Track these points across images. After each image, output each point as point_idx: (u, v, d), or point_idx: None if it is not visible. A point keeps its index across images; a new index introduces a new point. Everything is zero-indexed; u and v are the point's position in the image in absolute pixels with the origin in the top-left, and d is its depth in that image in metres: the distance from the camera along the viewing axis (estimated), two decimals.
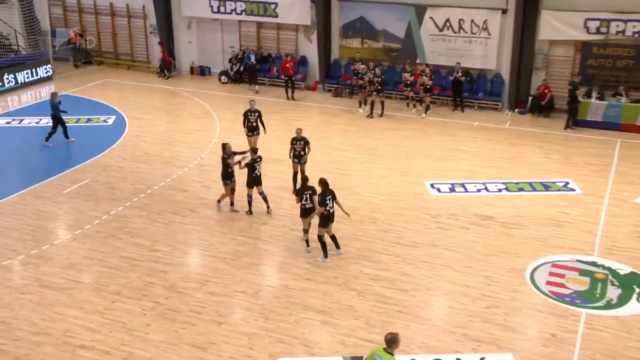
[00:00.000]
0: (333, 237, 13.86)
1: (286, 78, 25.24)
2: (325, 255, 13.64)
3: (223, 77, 27.92)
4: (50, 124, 20.37)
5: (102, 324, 11.64)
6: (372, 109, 23.13)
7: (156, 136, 21.33)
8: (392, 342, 8.81)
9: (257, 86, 26.84)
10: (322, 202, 13.36)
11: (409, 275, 13.17)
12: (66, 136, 20.48)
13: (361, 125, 22.50)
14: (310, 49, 27.13)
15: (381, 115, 23.13)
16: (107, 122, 22.71)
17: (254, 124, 18.44)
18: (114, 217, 15.61)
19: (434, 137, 21.47)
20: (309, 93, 26.45)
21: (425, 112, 23.49)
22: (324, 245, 13.61)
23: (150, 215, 15.74)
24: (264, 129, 18.68)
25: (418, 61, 25.06)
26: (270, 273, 13.32)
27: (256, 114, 18.43)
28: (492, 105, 24.50)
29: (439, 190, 17.29)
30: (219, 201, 15.86)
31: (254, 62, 26.81)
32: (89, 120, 22.68)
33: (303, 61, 27.22)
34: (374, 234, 14.87)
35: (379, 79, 22.83)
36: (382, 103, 23.28)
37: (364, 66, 24.17)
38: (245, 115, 18.53)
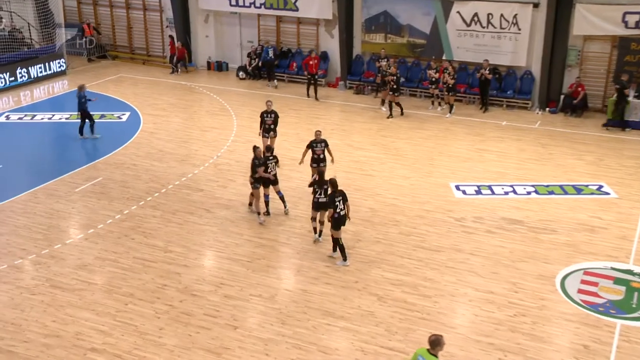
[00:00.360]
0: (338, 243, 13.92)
1: (309, 76, 25.04)
2: (345, 258, 13.68)
3: (241, 73, 28.04)
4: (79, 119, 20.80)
5: (114, 326, 11.74)
6: (390, 109, 23.00)
7: (171, 133, 21.47)
8: (435, 343, 8.86)
9: (275, 81, 26.93)
10: (331, 204, 13.41)
11: (431, 281, 13.12)
12: (92, 131, 20.90)
13: (384, 124, 22.46)
14: (331, 44, 27.15)
15: (402, 114, 23.00)
16: (121, 118, 22.91)
17: (271, 126, 18.25)
18: (127, 217, 15.74)
19: (460, 136, 21.37)
20: (329, 90, 26.45)
21: (450, 112, 23.40)
22: (341, 249, 13.65)
23: (164, 215, 15.85)
24: (274, 133, 18.22)
25: (444, 57, 24.97)
26: (287, 276, 13.35)
27: (272, 115, 18.20)
28: (521, 104, 24.34)
29: (464, 192, 17.20)
30: (250, 204, 15.61)
31: (273, 57, 26.90)
32: (102, 116, 22.87)
33: (324, 57, 27.23)
34: (395, 237, 14.84)
35: (394, 77, 22.55)
36: (399, 104, 22.98)
37: (387, 63, 24.12)
38: (262, 116, 18.29)
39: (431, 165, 18.96)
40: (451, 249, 14.31)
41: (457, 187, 17.46)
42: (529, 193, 17.13)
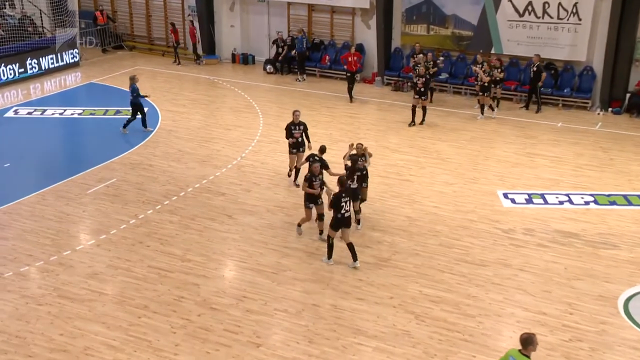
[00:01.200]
0: (350, 246, 13.92)
1: (348, 74, 24.58)
2: (329, 257, 14.01)
3: (269, 67, 28.16)
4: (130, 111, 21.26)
5: (126, 341, 11.83)
6: (413, 116, 21.91)
7: (191, 132, 21.63)
8: (527, 342, 8.98)
9: (305, 76, 27.00)
10: (337, 204, 13.59)
11: (475, 299, 13.00)
12: (144, 125, 21.38)
13: (424, 124, 22.33)
14: (367, 36, 27.13)
15: (422, 122, 21.97)
16: (137, 115, 23.12)
17: (299, 140, 17.31)
18: (142, 222, 15.88)
19: (509, 139, 21.17)
20: (365, 86, 26.42)
21: (490, 111, 22.92)
22: (329, 247, 13.99)
23: (182, 220, 15.96)
24: (309, 142, 17.44)
25: (492, 51, 24.77)
26: (315, 290, 13.33)
27: (301, 127, 17.25)
28: (580, 104, 24.05)
29: (513, 201, 17.05)
30: (299, 225, 15.30)
31: (305, 48, 27.01)
32: (117, 112, 23.14)
33: (359, 49, 27.20)
34: (435, 249, 14.75)
35: (423, 79, 21.62)
36: (424, 108, 21.98)
37: (424, 58, 23.95)
38: (289, 129, 17.26)
39: (476, 171, 18.82)
40: (498, 264, 14.16)
41: (505, 195, 17.30)
42: (587, 203, 16.90)
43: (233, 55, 29.92)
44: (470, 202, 16.96)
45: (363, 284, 13.46)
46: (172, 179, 18.14)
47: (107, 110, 23.25)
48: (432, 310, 12.66)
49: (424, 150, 20.21)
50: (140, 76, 27.41)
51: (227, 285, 13.46)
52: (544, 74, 23.22)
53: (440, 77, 25.42)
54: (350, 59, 24.35)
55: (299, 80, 26.84)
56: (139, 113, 21.23)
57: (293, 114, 17.49)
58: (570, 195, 17.30)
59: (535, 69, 23.13)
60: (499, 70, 23.15)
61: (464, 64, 25.47)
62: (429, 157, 19.75)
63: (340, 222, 13.77)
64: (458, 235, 15.32)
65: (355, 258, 13.95)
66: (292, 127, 17.28)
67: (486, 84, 22.50)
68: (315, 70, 27.92)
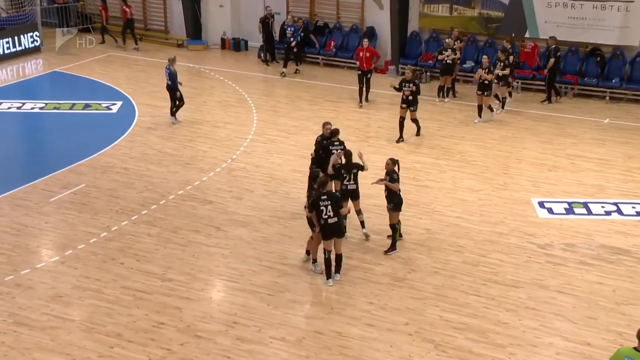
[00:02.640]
0: (337, 258, 14.05)
1: (360, 73, 23.70)
2: (328, 277, 14.04)
3: (264, 53, 28.15)
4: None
5: None
6: (401, 129, 20.70)
7: (174, 130, 21.66)
8: None
9: (288, 68, 26.46)
10: (316, 207, 13.74)
11: (506, 326, 12.97)
12: (173, 113, 21.98)
13: (446, 120, 22.31)
14: (380, 18, 27.19)
15: (417, 134, 20.95)
16: (110, 109, 23.19)
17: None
18: (115, 235, 15.87)
19: (545, 138, 21.17)
20: (377, 76, 26.41)
21: (502, 107, 22.92)
22: (326, 264, 14.02)
23: (163, 233, 15.96)
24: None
25: (527, 35, 24.74)
26: (318, 315, 13.30)
27: (340, 146, 16.12)
28: (630, 96, 24.10)
29: (550, 210, 17.02)
30: (308, 252, 14.87)
31: (292, 40, 26.51)
32: (86, 106, 23.18)
33: (370, 34, 27.24)
34: (458, 267, 14.71)
35: (412, 86, 20.42)
36: (415, 121, 20.85)
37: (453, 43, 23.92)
38: (323, 146, 16.23)
39: (506, 175, 18.79)
40: (532, 285, 14.13)
41: (541, 204, 17.27)
42: (638, 214, 16.91)
43: (222, 40, 29.97)
44: (499, 212, 16.93)
45: (374, 307, 13.43)
46: (150, 185, 18.14)
47: (73, 104, 23.26)
48: (454, 338, 12.62)
49: (445, 152, 20.19)
50: (114, 63, 27.56)
51: (214, 309, 13.44)
52: (551, 60, 23.25)
53: (465, 65, 25.44)
54: (361, 54, 23.51)
55: (283, 75, 26.32)
56: (176, 100, 21.90)
57: (323, 127, 16.52)
58: (618, 205, 17.27)
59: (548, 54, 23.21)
60: (507, 60, 22.57)
61: (492, 49, 25.43)
62: (450, 159, 19.73)
63: (326, 230, 13.80)
64: (485, 251, 15.28)
65: (338, 270, 14.08)
66: (328, 143, 16.28)
67: (487, 82, 21.82)
68: (318, 58, 27.94)
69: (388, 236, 15.35)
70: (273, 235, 15.84)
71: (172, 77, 21.54)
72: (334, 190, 15.16)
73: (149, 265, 14.74)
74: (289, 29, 26.81)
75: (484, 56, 22.57)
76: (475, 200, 17.50)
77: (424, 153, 20.07)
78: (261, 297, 13.72)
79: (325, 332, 12.78)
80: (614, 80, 24.16)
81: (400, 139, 20.65)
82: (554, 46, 23.42)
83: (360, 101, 23.67)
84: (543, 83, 24.22)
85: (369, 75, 23.73)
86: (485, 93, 22.01)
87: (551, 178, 18.65)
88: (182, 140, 20.88)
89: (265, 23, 27.29)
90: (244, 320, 13.05)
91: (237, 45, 29.69)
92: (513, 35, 24.75)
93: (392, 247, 15.10)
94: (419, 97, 20.74)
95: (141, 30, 31.05)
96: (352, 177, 15.34)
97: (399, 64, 26.72)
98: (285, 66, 26.45)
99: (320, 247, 14.22)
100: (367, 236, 15.63)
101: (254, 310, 13.34)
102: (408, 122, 20.69)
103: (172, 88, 21.65)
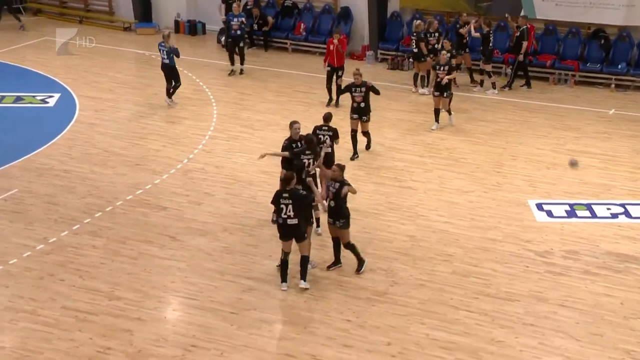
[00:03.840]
0: (302, 260, 14.21)
1: (330, 69, 22.81)
2: (283, 280, 14.34)
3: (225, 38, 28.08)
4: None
5: None
6: (355, 144, 19.68)
7: (121, 126, 21.58)
8: None
9: (242, 67, 25.59)
10: (276, 203, 13.97)
11: (501, 344, 13.03)
12: (169, 95, 22.72)
13: (430, 113, 22.40)
14: None
15: (368, 147, 20.03)
16: (46, 102, 23.06)
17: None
18: (54, 247, 15.74)
19: (543, 131, 21.31)
20: (353, 63, 26.46)
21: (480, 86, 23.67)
22: (281, 266, 14.34)
23: (109, 244, 15.86)
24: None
25: (522, 14, 24.92)
26: (289, 335, 13.30)
27: (329, 133, 16.73)
28: (639, 84, 24.28)
29: (549, 214, 17.13)
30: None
31: (238, 31, 25.09)
32: (18, 99, 23.03)
33: (345, 15, 27.32)
34: (447, 278, 14.75)
35: (362, 91, 19.46)
36: (366, 134, 19.90)
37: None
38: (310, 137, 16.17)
39: (500, 174, 18.91)
40: (530, 298, 14.20)
41: (539, 207, 17.37)
42: None
43: (176, 22, 29.93)
44: (492, 215, 17.01)
45: (352, 326, 13.44)
46: (94, 190, 18.06)
47: (3, 97, 23.09)
48: None
49: (430, 148, 20.26)
50: (49, 51, 27.27)
51: (169, 331, 13.40)
52: (524, 43, 23.45)
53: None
54: (332, 47, 22.76)
55: (232, 73, 25.55)
56: (172, 80, 22.54)
57: (291, 128, 16.25)
58: (626, 206, 17.40)
59: (518, 34, 23.50)
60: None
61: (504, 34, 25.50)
62: (437, 156, 19.81)
63: (283, 230, 14.02)
64: (477, 260, 15.34)
65: (303, 277, 14.26)
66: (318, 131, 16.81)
67: (444, 82, 20.99)
68: (286, 43, 27.96)
69: (329, 267, 14.90)
70: (236, 245, 15.81)
71: (169, 54, 22.16)
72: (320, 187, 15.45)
73: (94, 281, 14.64)
74: (234, 19, 25.17)
75: (445, 41, 22.75)
76: (465, 202, 17.57)
77: (406, 150, 20.12)
78: (223, 316, 13.69)
79: (297, 354, 12.78)
80: (620, 66, 24.38)
81: (355, 155, 19.65)
82: (525, 26, 23.60)
83: (330, 101, 22.90)
84: (540, 69, 24.44)
85: (340, 73, 22.87)
86: (445, 94, 21.09)
87: (550, 177, 18.77)
88: (131, 137, 20.79)
89: (228, 3, 27.21)
90: (203, 342, 13.02)
91: (193, 28, 29.62)
92: (507, 15, 24.87)
93: (360, 265, 14.87)
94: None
95: (81, 12, 30.90)
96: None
97: (377, 50, 26.77)
98: (232, 63, 25.51)
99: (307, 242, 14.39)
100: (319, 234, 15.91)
101: (214, 331, 13.31)
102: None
103: (170, 66, 22.30)
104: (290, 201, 13.87)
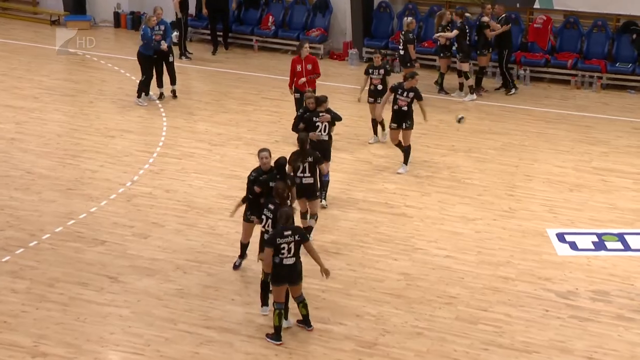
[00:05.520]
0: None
1: (298, 96, 21.24)
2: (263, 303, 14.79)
3: (175, 32, 27.96)
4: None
5: None
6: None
7: (48, 141, 21.53)
8: None
9: (174, 87, 24.46)
10: (272, 244, 13.97)
11: None
12: (146, 92, 23.58)
13: (428, 124, 22.43)
14: None
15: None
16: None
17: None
18: None
19: (565, 146, 21.42)
20: (333, 65, 26.57)
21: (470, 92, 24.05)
22: (262, 287, 14.79)
23: (34, 288, 15.75)
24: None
25: (536, 6, 25.07)
26: None
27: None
28: None
29: (573, 246, 17.17)
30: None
31: (166, 43, 24.11)
32: None
33: (321, 6, 27.40)
34: (449, 325, 14.73)
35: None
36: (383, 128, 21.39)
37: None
38: (304, 120, 18.09)
39: (512, 197, 18.96)
40: (551, 349, 14.19)
41: (561, 237, 17.41)
42: None
43: (116, 15, 29.98)
44: (504, 248, 17.03)
45: None
46: (15, 220, 17.98)
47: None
48: None
49: (428, 166, 20.30)
50: None
51: None
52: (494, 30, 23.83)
53: (454, 48, 25.68)
54: (299, 67, 21.17)
55: (162, 97, 24.42)
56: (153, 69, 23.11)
57: (259, 157, 15.80)
58: None
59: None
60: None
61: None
62: (436, 176, 19.85)
63: (264, 241, 14.22)
64: (486, 303, 15.34)
65: (307, 322, 14.44)
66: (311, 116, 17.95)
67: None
68: (251, 40, 28.03)
69: (298, 321, 14.81)
70: (192, 287, 15.74)
71: (144, 39, 22.82)
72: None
73: (14, 334, 14.49)
74: (156, 28, 23.90)
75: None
76: (471, 232, 17.59)
77: (398, 169, 20.18)
78: None
79: None
80: None
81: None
82: (503, 15, 23.88)
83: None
84: (559, 70, 24.61)
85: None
86: (405, 125, 19.72)
87: (574, 201, 18.83)
88: (61, 156, 20.72)
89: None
90: None
91: (136, 22, 29.62)
92: (518, 5, 25.04)
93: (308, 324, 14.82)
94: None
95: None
96: (307, 167, 16.17)
97: (362, 47, 26.84)
98: (161, 85, 24.30)
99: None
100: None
101: None
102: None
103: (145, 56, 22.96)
104: (273, 208, 14.31)
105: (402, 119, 19.43)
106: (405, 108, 19.35)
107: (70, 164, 20.32)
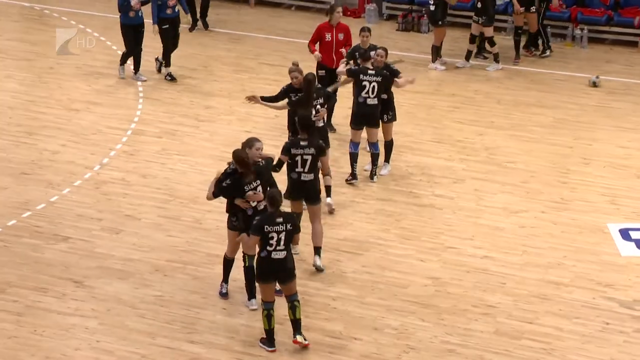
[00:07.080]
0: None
1: (324, 74, 21.35)
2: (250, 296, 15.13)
3: None
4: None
5: None
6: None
7: (1, 115, 21.62)
8: None
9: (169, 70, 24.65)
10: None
11: None
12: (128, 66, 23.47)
13: (462, 95, 22.40)
14: None
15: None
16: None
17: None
18: None
19: (629, 122, 21.55)
20: (349, 21, 26.53)
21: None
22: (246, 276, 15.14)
23: None
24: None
25: None
26: None
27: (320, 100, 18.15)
28: None
29: (639, 244, 17.23)
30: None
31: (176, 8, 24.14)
32: None
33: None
34: (488, 341, 14.72)
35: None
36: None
37: None
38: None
39: (565, 185, 19.03)
40: None
41: (625, 234, 17.45)
42: None
43: None
44: (555, 247, 17.08)
45: None
46: None
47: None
48: None
49: (461, 147, 20.40)
50: None
51: None
52: None
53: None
54: (329, 36, 21.41)
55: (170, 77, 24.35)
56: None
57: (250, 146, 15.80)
58: None
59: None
60: None
61: None
62: (471, 159, 19.95)
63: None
64: (533, 314, 15.35)
65: (298, 330, 14.32)
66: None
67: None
68: None
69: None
70: (175, 293, 15.78)
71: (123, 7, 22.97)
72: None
73: None
74: None
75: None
76: (515, 228, 17.63)
77: (427, 150, 20.26)
78: None
79: None
80: None
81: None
82: None
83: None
84: (623, 29, 24.67)
85: (338, 79, 21.20)
86: (386, 118, 19.55)
87: None
88: (14, 133, 20.82)
89: None
90: None
91: None
92: None
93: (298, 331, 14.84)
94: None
95: None
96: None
97: (382, 2, 26.86)
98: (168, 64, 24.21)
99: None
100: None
101: None
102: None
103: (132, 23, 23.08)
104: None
105: (383, 110, 19.17)
106: (384, 96, 19.06)
107: (25, 143, 20.40)
